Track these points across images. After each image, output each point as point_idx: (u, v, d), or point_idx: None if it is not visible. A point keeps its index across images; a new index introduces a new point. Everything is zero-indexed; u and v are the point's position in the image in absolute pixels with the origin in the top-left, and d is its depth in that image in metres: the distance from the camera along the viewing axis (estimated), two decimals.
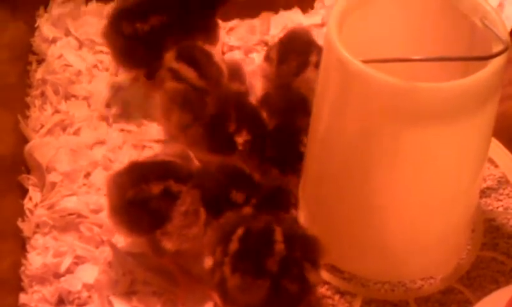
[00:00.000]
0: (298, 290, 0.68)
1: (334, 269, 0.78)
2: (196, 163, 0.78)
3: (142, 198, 0.74)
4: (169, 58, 0.87)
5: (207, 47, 0.88)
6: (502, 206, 0.84)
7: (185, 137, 0.83)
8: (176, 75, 0.86)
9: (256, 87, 0.91)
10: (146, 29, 0.92)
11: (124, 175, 0.76)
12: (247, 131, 0.82)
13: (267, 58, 0.92)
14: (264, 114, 0.84)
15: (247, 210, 0.74)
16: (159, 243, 0.74)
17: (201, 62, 0.86)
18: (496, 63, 0.65)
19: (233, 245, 0.68)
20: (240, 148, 0.82)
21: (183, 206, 0.73)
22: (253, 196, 0.75)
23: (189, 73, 0.85)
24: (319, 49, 0.86)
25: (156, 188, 0.74)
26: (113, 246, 0.81)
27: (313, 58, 0.88)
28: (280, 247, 0.68)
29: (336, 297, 0.76)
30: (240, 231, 0.69)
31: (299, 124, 0.82)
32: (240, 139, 0.82)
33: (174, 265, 0.78)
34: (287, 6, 1.09)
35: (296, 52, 0.89)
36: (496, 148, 0.87)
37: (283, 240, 0.68)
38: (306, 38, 0.92)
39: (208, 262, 0.70)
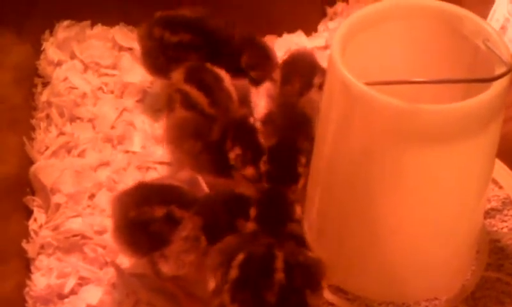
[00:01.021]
0: None
1: (338, 290, 0.77)
2: (205, 189, 0.77)
3: (144, 220, 0.74)
4: (178, 79, 0.87)
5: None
6: (507, 227, 0.84)
7: (196, 163, 0.83)
8: (186, 99, 0.85)
9: (260, 106, 0.92)
10: (173, 40, 0.93)
11: (130, 195, 0.76)
12: (250, 160, 0.81)
13: (271, 79, 0.93)
14: (266, 130, 0.83)
15: (250, 226, 0.73)
16: (156, 265, 0.74)
17: (212, 87, 0.86)
18: (499, 85, 0.65)
19: (233, 273, 0.67)
20: (242, 174, 0.82)
21: (184, 231, 0.73)
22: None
23: (199, 98, 0.85)
24: (322, 71, 0.86)
25: (159, 212, 0.74)
26: (117, 267, 0.81)
27: (317, 80, 0.88)
28: (279, 276, 0.67)
29: None
30: (240, 257, 0.68)
31: (301, 142, 0.81)
32: (244, 169, 0.82)
33: (177, 287, 0.78)
34: (291, 29, 1.10)
35: (300, 74, 0.90)
36: (500, 169, 0.87)
37: (284, 267, 0.67)
38: (310, 60, 0.92)
39: (211, 284, 0.69)
